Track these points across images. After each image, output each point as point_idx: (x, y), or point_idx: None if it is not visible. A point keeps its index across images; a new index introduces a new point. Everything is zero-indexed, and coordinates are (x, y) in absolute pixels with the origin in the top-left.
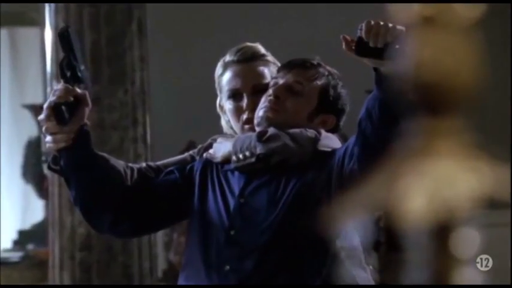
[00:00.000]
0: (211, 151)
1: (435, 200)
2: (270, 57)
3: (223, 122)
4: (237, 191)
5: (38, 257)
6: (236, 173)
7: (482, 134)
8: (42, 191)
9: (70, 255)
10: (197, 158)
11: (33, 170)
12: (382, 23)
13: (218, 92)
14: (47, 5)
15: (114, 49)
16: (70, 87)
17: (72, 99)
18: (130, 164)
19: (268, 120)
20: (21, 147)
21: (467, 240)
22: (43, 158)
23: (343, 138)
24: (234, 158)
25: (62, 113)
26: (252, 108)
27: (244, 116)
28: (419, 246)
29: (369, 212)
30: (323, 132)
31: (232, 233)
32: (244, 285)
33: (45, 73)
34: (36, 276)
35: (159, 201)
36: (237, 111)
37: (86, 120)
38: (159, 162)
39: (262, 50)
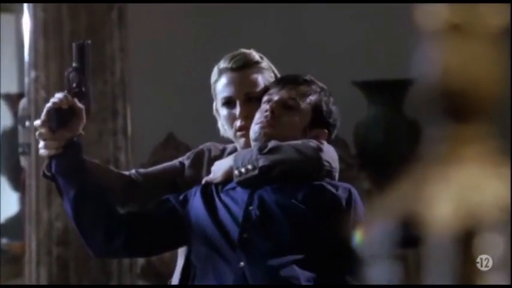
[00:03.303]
0: (210, 176)
1: (461, 206)
2: (264, 64)
3: (219, 125)
4: (243, 202)
5: (12, 251)
6: (238, 189)
7: (508, 140)
8: (18, 183)
9: (47, 250)
10: (186, 162)
11: (8, 162)
12: None
13: (214, 97)
14: None
15: (93, 39)
16: (69, 97)
17: (66, 107)
18: (120, 172)
19: (265, 136)
20: None
21: (492, 246)
22: (19, 150)
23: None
24: (236, 172)
25: (52, 119)
26: (245, 115)
27: (238, 124)
28: (444, 251)
29: (394, 218)
30: (324, 142)
31: (245, 235)
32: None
33: (22, 62)
34: (11, 272)
35: (156, 231)
36: (231, 118)
37: (80, 132)
38: (148, 169)
39: (257, 56)
